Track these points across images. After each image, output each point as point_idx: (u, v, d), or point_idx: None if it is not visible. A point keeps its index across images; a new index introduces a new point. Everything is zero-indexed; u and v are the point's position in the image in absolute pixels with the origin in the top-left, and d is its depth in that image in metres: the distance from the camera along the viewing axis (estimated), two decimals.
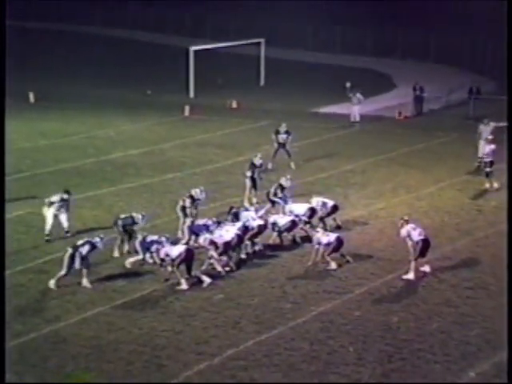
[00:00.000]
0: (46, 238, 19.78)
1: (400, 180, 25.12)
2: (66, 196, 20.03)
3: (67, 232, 20.00)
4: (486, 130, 26.43)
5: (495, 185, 23.93)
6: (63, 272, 17.15)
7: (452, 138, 30.49)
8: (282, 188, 21.06)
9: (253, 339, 14.99)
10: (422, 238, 17.71)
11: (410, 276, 17.58)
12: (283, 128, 26.37)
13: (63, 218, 19.96)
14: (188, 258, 17.30)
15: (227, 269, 18.07)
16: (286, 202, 20.64)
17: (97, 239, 17.64)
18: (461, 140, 29.76)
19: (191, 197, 19.99)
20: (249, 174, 22.43)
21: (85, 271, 17.26)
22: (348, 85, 33.98)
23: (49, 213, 19.81)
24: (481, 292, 16.94)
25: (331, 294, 16.90)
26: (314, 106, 36.92)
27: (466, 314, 15.97)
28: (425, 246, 17.71)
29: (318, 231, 18.54)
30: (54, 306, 16.39)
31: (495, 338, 15.01)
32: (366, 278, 17.65)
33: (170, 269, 17.35)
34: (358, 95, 33.14)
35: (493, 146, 24.62)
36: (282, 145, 26.20)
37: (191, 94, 39.20)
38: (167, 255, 17.34)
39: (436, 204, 22.74)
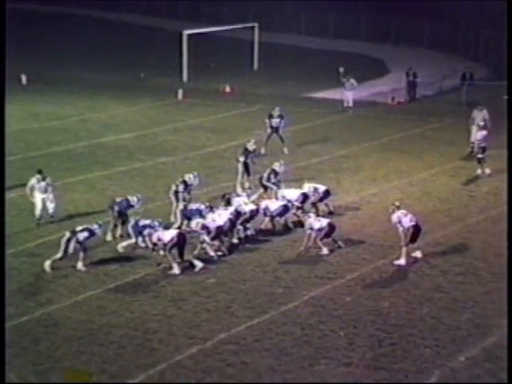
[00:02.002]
0: (38, 221, 19.77)
1: (392, 165, 25.14)
2: (39, 176, 19.84)
3: (52, 216, 19.90)
4: (479, 115, 26.44)
5: (487, 171, 24.00)
6: (59, 255, 17.15)
7: (445, 124, 30.51)
8: (275, 173, 21.07)
9: (244, 324, 15.04)
10: (412, 224, 17.76)
11: (402, 262, 17.65)
12: (276, 112, 26.32)
13: (48, 201, 19.84)
14: (180, 242, 17.32)
15: (219, 253, 18.10)
16: (278, 187, 20.66)
17: (95, 226, 17.62)
18: (453, 126, 29.77)
19: (184, 182, 19.98)
20: (242, 159, 22.42)
21: (81, 254, 17.26)
22: (341, 70, 33.87)
23: (36, 198, 19.76)
24: (471, 277, 17.01)
25: (323, 279, 16.95)
26: (307, 90, 36.87)
27: (457, 299, 16.04)
28: (415, 232, 17.76)
29: (310, 216, 18.58)
30: (47, 290, 16.40)
31: (485, 323, 15.09)
32: (358, 264, 17.71)
33: (162, 253, 17.37)
34: (352, 80, 33.07)
35: (485, 132, 24.70)
36: (275, 129, 26.18)
37: (184, 78, 39.09)
38: (159, 239, 17.36)
39: (428, 190, 22.78)
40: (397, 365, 13.79)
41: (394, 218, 17.86)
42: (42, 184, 19.86)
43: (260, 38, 42.57)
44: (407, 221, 17.74)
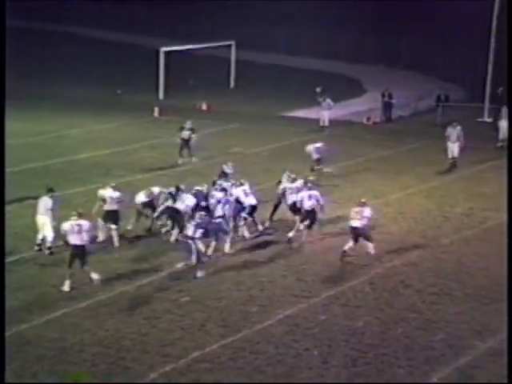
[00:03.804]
0: (37, 247, 18.78)
1: (368, 185, 25.28)
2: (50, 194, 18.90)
3: (50, 248, 18.79)
4: (453, 132, 27.35)
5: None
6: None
7: (420, 145, 30.78)
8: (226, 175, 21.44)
9: (218, 342, 15.03)
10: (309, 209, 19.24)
11: (290, 234, 19.32)
12: (188, 125, 27.38)
13: (49, 227, 18.69)
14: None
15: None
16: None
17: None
18: (429, 147, 30.04)
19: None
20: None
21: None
22: (318, 89, 34.09)
23: (45, 221, 18.60)
24: (445, 298, 17.13)
25: (297, 297, 16.99)
26: (283, 109, 37.04)
27: (430, 319, 16.14)
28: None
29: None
30: (19, 308, 16.27)
31: (458, 344, 15.19)
32: (333, 282, 17.78)
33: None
34: (328, 100, 33.29)
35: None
36: (185, 141, 27.10)
37: (161, 95, 39.12)
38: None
39: (403, 210, 22.94)
40: None
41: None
42: (49, 203, 18.77)
43: (237, 56, 42.76)
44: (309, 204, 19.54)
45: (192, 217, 19.06)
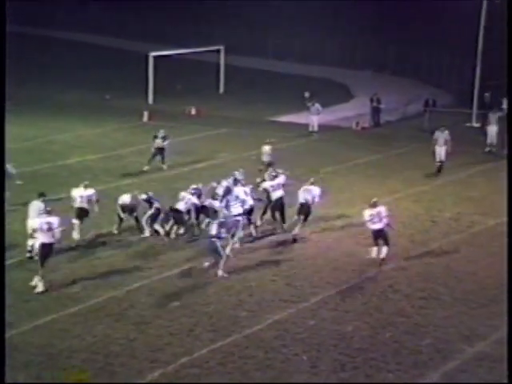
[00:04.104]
0: (30, 254, 18.61)
1: (357, 190, 25.32)
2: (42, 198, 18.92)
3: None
4: (441, 136, 27.55)
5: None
6: None
7: (408, 149, 30.86)
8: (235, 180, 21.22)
9: (207, 347, 14.98)
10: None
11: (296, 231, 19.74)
12: (161, 133, 27.30)
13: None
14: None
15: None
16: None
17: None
18: (417, 151, 30.13)
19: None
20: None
21: None
22: (307, 94, 34.14)
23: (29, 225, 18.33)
24: (433, 302, 17.14)
25: (287, 302, 16.97)
26: (272, 114, 37.08)
27: (419, 323, 16.15)
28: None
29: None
30: (7, 313, 16.17)
31: (446, 348, 15.20)
32: (322, 287, 17.77)
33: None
34: (317, 105, 33.35)
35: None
36: (159, 149, 27.13)
37: (150, 100, 39.11)
38: None
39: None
40: None
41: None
42: (42, 207, 18.52)
43: (226, 60, 42.80)
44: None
45: (207, 215, 19.94)
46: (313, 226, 21.59)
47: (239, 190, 20.56)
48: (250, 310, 16.59)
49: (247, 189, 20.82)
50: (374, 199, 19.01)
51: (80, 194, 20.28)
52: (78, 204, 20.18)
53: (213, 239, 18.12)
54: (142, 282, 17.85)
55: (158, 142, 27.20)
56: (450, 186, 25.94)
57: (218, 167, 27.05)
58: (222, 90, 42.70)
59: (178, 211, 20.48)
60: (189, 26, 54.48)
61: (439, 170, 27.28)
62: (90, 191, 20.44)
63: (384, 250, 18.80)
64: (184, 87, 41.65)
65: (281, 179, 21.18)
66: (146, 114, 35.31)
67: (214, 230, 18.13)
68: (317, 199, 20.53)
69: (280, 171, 21.76)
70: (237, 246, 19.63)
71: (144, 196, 20.81)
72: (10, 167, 23.04)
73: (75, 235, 19.91)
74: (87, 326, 15.69)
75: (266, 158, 26.43)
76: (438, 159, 27.45)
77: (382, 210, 18.74)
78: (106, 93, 39.64)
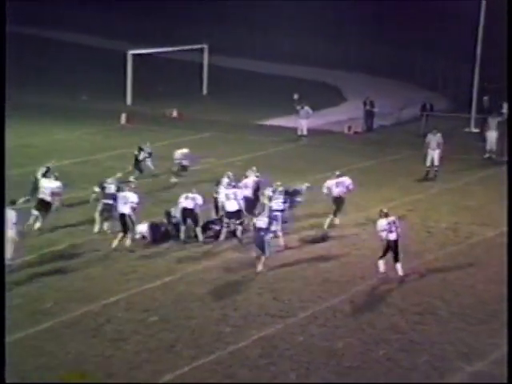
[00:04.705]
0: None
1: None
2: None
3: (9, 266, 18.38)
4: (433, 139, 27.89)
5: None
6: None
7: (403, 156, 30.94)
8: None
9: (189, 364, 14.91)
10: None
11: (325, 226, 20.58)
12: (147, 149, 27.22)
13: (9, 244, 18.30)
14: None
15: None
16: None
17: None
18: (412, 158, 30.22)
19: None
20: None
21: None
22: (296, 97, 34.21)
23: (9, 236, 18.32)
24: (429, 317, 17.14)
25: (274, 317, 16.93)
26: (259, 118, 37.11)
27: (414, 340, 16.14)
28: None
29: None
30: None
31: (443, 366, 15.19)
32: (311, 301, 17.74)
33: None
34: (306, 108, 33.41)
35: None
36: (139, 161, 27.04)
37: (128, 102, 39.04)
38: None
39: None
40: None
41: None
42: (13, 216, 18.39)
43: (210, 60, 42.84)
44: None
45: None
46: (302, 235, 21.58)
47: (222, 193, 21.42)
48: (234, 325, 16.52)
49: (231, 191, 21.33)
50: (385, 209, 19.14)
51: (45, 185, 20.77)
52: (40, 194, 20.67)
53: (262, 233, 18.91)
54: (120, 295, 17.75)
55: (142, 156, 26.94)
56: (446, 194, 26.02)
57: (202, 173, 27.01)
58: (205, 91, 42.71)
59: (191, 210, 20.86)
60: (171, 23, 54.52)
61: (429, 175, 27.49)
62: (56, 184, 20.80)
63: (398, 265, 18.77)
64: (165, 88, 41.62)
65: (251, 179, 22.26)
66: (123, 116, 35.24)
67: (263, 224, 18.90)
68: (351, 187, 22.39)
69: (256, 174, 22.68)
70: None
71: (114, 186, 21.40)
72: None
73: (36, 225, 20.52)
74: (61, 343, 15.58)
75: (178, 161, 26.72)
76: (428, 163, 27.68)
77: (395, 220, 18.86)
78: (82, 93, 39.55)
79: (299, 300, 17.79)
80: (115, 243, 20.19)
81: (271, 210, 19.95)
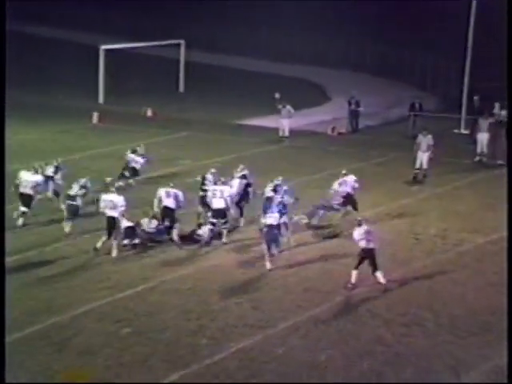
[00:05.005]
0: None
1: None
2: None
3: None
4: (424, 140, 28.09)
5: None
6: None
7: (390, 158, 31.07)
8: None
9: (163, 379, 14.91)
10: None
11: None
12: (140, 150, 27.17)
13: None
14: None
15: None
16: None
17: None
18: (400, 160, 30.35)
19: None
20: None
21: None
22: (277, 95, 34.22)
23: None
24: (416, 329, 17.22)
25: (252, 328, 16.95)
26: (239, 117, 37.14)
27: (400, 353, 16.21)
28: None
29: None
30: None
31: (431, 379, 15.27)
32: (292, 311, 17.78)
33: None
34: (288, 107, 33.47)
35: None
36: (129, 167, 27.03)
37: (101, 100, 38.95)
38: None
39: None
40: None
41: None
42: None
43: (187, 56, 42.81)
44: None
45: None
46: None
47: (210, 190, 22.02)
48: (211, 336, 16.53)
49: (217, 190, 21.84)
50: (359, 218, 19.38)
51: (26, 178, 21.91)
52: (21, 189, 21.80)
53: (274, 230, 19.97)
54: (90, 305, 17.71)
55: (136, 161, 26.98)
56: (435, 199, 26.16)
57: (178, 175, 26.99)
58: (182, 89, 42.70)
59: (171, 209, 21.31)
60: (147, 17, 54.45)
61: (418, 177, 27.72)
62: (37, 178, 21.95)
63: (378, 274, 18.86)
64: (140, 85, 41.55)
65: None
66: (95, 115, 35.16)
67: (274, 220, 19.86)
68: (356, 185, 23.18)
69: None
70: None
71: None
72: None
73: (20, 221, 21.84)
74: (26, 357, 15.51)
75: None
76: (417, 166, 27.84)
77: (371, 229, 19.04)
78: (51, 91, 39.40)
79: (279, 310, 17.83)
80: (99, 244, 20.42)
81: (278, 204, 20.82)
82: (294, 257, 20.83)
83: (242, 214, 22.85)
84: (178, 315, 17.46)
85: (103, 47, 39.34)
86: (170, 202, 21.39)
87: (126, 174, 26.55)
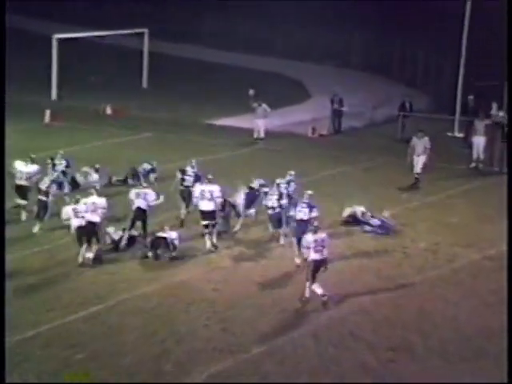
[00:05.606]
0: None
1: None
2: None
3: None
4: (419, 143, 28.24)
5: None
6: None
7: (376, 163, 31.21)
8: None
9: None
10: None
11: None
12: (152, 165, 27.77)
13: None
14: None
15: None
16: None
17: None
18: (387, 165, 30.53)
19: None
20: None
21: None
22: (251, 92, 34.29)
23: None
24: (403, 354, 17.31)
25: (223, 352, 16.98)
26: (209, 116, 37.20)
27: (386, 380, 16.29)
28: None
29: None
30: None
31: None
32: (266, 334, 17.81)
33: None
34: (264, 106, 33.57)
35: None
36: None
37: (53, 96, 38.81)
38: None
39: (354, 244, 23.16)
40: None
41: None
42: None
43: (152, 47, 42.78)
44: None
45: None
46: (256, 255, 21.67)
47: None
48: (176, 361, 16.54)
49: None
50: (315, 223, 19.60)
51: (20, 169, 23.26)
52: (17, 180, 23.12)
53: (277, 210, 21.90)
54: (39, 328, 17.63)
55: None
56: (425, 209, 26.31)
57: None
58: (145, 84, 42.67)
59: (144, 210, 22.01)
60: (107, 2, 54.36)
61: (416, 183, 28.04)
62: (32, 168, 23.20)
63: (316, 285, 18.98)
64: (98, 79, 41.47)
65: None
66: (47, 112, 35.05)
67: (304, 215, 20.87)
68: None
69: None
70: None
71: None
72: None
73: (23, 217, 23.15)
74: None
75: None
76: (417, 170, 27.97)
77: (325, 237, 19.18)
78: None
79: (253, 333, 17.86)
80: (80, 259, 20.64)
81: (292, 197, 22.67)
82: (269, 272, 20.87)
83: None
84: (140, 338, 17.44)
85: (56, 36, 39.17)
86: (140, 203, 21.99)
87: (130, 181, 26.90)
